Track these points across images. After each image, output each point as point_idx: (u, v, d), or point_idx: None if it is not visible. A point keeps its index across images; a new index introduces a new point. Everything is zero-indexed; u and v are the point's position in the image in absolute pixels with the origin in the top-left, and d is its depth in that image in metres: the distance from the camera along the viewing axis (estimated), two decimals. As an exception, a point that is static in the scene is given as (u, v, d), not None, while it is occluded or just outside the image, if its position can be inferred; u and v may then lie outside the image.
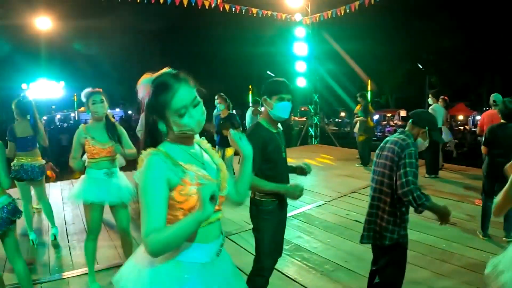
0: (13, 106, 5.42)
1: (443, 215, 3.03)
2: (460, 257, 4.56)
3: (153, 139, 1.81)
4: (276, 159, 3.12)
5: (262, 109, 3.21)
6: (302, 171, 3.37)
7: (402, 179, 2.89)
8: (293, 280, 4.16)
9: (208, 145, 2.05)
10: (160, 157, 1.73)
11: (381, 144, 3.27)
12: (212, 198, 1.61)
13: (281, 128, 3.38)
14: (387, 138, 3.27)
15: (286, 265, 4.46)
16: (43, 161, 5.61)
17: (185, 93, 1.76)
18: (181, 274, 1.77)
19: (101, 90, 4.07)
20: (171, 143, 1.83)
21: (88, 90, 4.10)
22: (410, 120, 3.23)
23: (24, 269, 3.57)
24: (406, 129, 3.20)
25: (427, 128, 3.16)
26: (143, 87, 1.79)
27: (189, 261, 1.80)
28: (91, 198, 3.91)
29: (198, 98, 1.81)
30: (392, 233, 3.04)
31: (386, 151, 3.11)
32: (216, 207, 1.73)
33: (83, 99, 4.08)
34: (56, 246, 5.37)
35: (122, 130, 4.15)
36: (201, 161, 1.89)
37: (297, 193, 3.01)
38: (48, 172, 6.08)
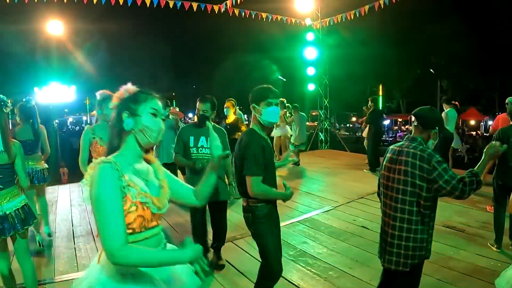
0: (16, 110, 5.39)
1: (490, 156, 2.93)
2: (467, 264, 4.47)
3: (118, 141, 1.94)
4: (270, 165, 3.16)
5: (252, 118, 3.19)
6: None
7: (446, 188, 2.71)
8: (297, 286, 4.12)
9: (156, 161, 2.15)
10: (112, 166, 1.80)
11: (390, 155, 3.04)
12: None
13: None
14: (395, 149, 3.02)
15: (290, 270, 4.42)
16: (46, 166, 5.63)
17: (158, 102, 1.97)
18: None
19: None
20: (120, 156, 1.89)
21: (105, 92, 4.12)
22: (416, 123, 2.99)
23: (32, 270, 3.63)
24: (414, 134, 2.99)
25: (436, 128, 2.96)
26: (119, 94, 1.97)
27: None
28: None
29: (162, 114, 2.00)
30: (420, 251, 2.88)
31: (403, 165, 2.87)
32: (154, 223, 1.94)
33: (98, 99, 4.13)
34: (60, 242, 5.50)
35: None
36: (145, 178, 1.96)
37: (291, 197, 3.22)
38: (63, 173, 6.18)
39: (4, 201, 3.35)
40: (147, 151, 2.02)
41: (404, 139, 3.05)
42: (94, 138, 4.04)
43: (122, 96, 1.95)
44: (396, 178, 2.92)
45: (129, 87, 1.98)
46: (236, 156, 3.21)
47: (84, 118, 45.72)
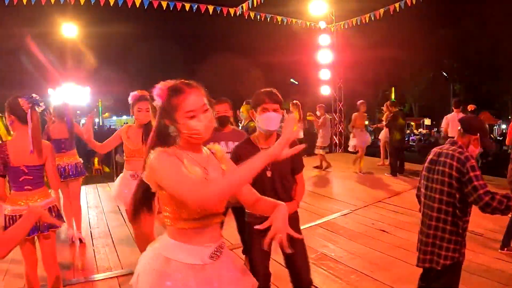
0: (51, 109, 5.66)
1: None
2: (486, 268, 4.43)
3: (162, 141, 1.89)
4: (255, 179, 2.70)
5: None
6: None
7: (473, 194, 2.74)
8: (320, 289, 4.11)
9: (220, 151, 2.11)
10: (169, 152, 1.82)
11: (431, 157, 3.13)
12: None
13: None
14: (437, 151, 3.10)
15: (312, 274, 4.39)
16: (80, 160, 5.80)
17: (196, 99, 1.84)
18: (165, 269, 1.83)
19: (147, 96, 3.99)
20: (179, 150, 1.88)
21: (136, 94, 4.15)
22: (459, 128, 3.06)
23: (56, 278, 3.56)
24: (457, 138, 3.05)
25: (478, 135, 2.99)
26: (159, 92, 1.88)
27: (175, 259, 1.85)
28: None
29: (208, 106, 1.88)
30: (453, 252, 2.90)
31: (441, 166, 2.96)
32: (215, 210, 1.89)
33: (130, 102, 4.15)
34: (79, 245, 5.52)
35: None
36: (205, 166, 1.93)
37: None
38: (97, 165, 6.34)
39: (32, 202, 3.30)
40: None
41: (446, 142, 3.12)
42: (128, 138, 4.15)
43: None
44: (435, 179, 3.00)
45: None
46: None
47: (96, 120, 45.95)
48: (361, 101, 10.43)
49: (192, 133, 1.83)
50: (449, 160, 2.90)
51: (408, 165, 10.58)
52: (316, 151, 10.68)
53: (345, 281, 4.29)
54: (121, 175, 4.45)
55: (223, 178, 1.82)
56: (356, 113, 10.35)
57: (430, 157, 3.14)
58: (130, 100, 4.15)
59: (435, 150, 3.14)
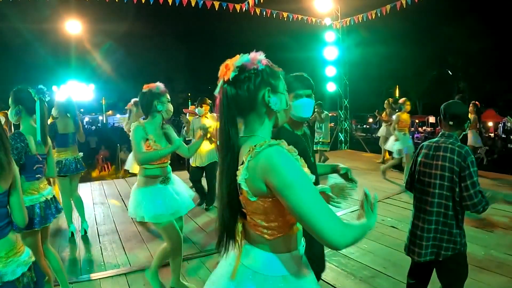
0: (55, 104, 5.66)
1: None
2: (499, 264, 4.38)
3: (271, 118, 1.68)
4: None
5: None
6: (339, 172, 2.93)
7: (470, 191, 2.77)
8: (332, 286, 4.06)
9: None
10: (283, 147, 1.58)
11: (426, 151, 3.08)
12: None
13: (308, 130, 2.98)
14: (431, 145, 3.05)
15: (324, 270, 4.34)
16: (81, 154, 5.81)
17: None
18: None
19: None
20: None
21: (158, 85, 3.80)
22: (452, 123, 2.99)
23: (58, 261, 3.67)
24: (449, 130, 3.00)
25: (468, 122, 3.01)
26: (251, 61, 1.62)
27: (293, 273, 1.66)
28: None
29: None
30: (455, 244, 2.90)
31: (441, 160, 2.92)
32: None
33: (158, 91, 3.71)
34: (86, 241, 5.49)
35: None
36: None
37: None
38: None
39: (42, 190, 3.37)
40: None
41: (439, 135, 3.08)
42: (147, 138, 3.60)
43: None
44: (433, 173, 2.97)
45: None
46: None
47: (100, 117, 46.09)
48: (403, 98, 9.31)
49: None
50: (449, 154, 2.89)
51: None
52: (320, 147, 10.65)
53: (358, 277, 4.24)
54: (141, 188, 3.75)
55: (357, 227, 1.53)
56: (399, 113, 8.86)
57: (424, 151, 3.10)
58: (158, 90, 3.70)
59: (429, 144, 3.09)
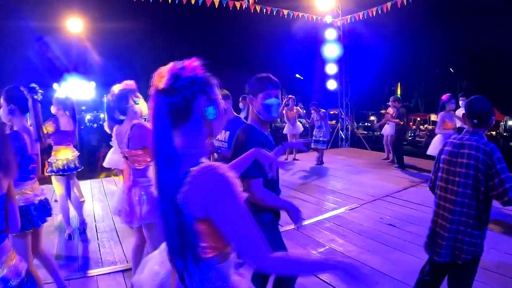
0: (54, 101, 5.64)
1: None
2: (499, 264, 4.31)
3: None
4: (266, 183, 2.67)
5: (250, 112, 2.85)
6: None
7: (499, 189, 2.66)
8: (329, 284, 4.02)
9: None
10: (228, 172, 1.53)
11: (449, 148, 2.99)
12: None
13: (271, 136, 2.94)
14: (455, 142, 2.96)
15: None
16: (77, 153, 5.84)
17: None
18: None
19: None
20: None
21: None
22: (477, 121, 2.91)
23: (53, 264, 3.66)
24: (474, 127, 2.91)
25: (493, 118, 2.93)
26: None
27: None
28: None
29: None
30: (475, 247, 2.81)
31: (466, 158, 2.83)
32: None
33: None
34: (84, 238, 5.49)
35: None
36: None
37: (300, 215, 2.61)
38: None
39: (34, 190, 3.35)
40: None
41: (464, 132, 2.98)
42: None
43: None
44: (457, 172, 2.88)
45: None
46: (232, 156, 2.70)
47: (102, 115, 46.04)
48: (447, 94, 8.21)
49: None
50: (474, 152, 2.79)
51: (415, 160, 10.61)
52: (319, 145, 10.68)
53: (355, 276, 4.20)
54: None
55: (285, 256, 1.49)
56: (442, 113, 7.91)
57: (448, 148, 3.01)
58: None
59: (453, 141, 2.99)
